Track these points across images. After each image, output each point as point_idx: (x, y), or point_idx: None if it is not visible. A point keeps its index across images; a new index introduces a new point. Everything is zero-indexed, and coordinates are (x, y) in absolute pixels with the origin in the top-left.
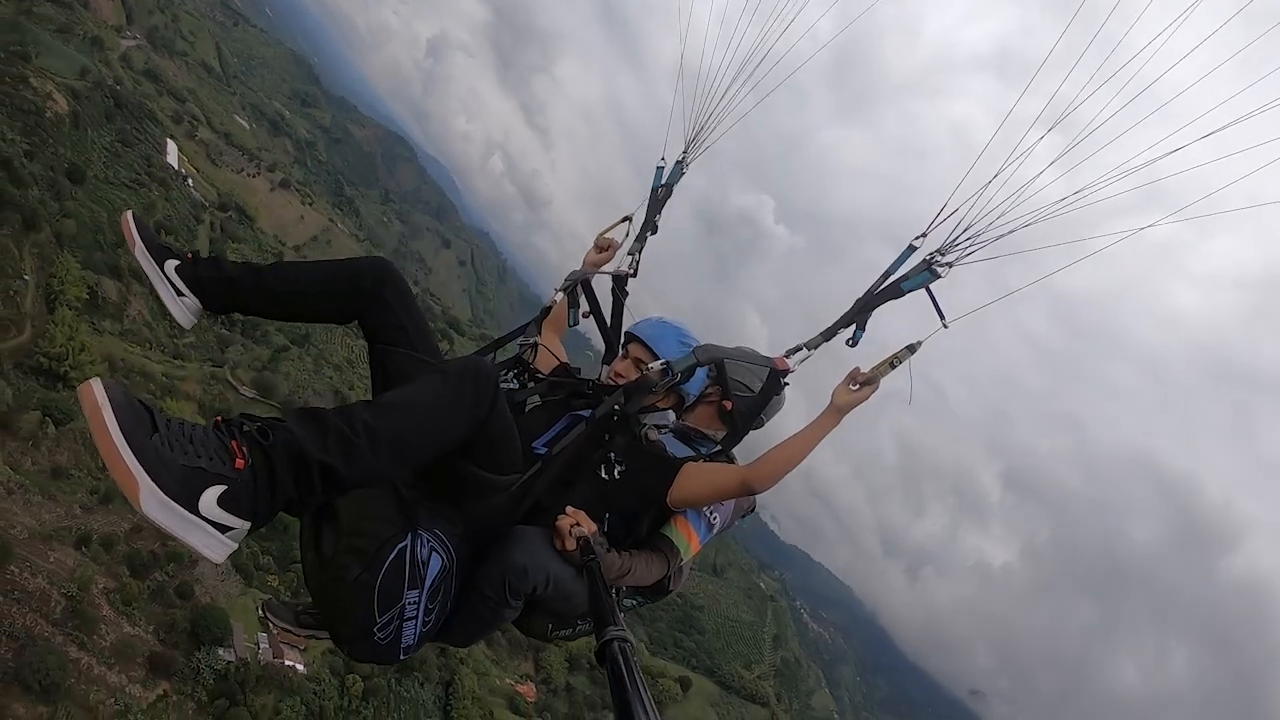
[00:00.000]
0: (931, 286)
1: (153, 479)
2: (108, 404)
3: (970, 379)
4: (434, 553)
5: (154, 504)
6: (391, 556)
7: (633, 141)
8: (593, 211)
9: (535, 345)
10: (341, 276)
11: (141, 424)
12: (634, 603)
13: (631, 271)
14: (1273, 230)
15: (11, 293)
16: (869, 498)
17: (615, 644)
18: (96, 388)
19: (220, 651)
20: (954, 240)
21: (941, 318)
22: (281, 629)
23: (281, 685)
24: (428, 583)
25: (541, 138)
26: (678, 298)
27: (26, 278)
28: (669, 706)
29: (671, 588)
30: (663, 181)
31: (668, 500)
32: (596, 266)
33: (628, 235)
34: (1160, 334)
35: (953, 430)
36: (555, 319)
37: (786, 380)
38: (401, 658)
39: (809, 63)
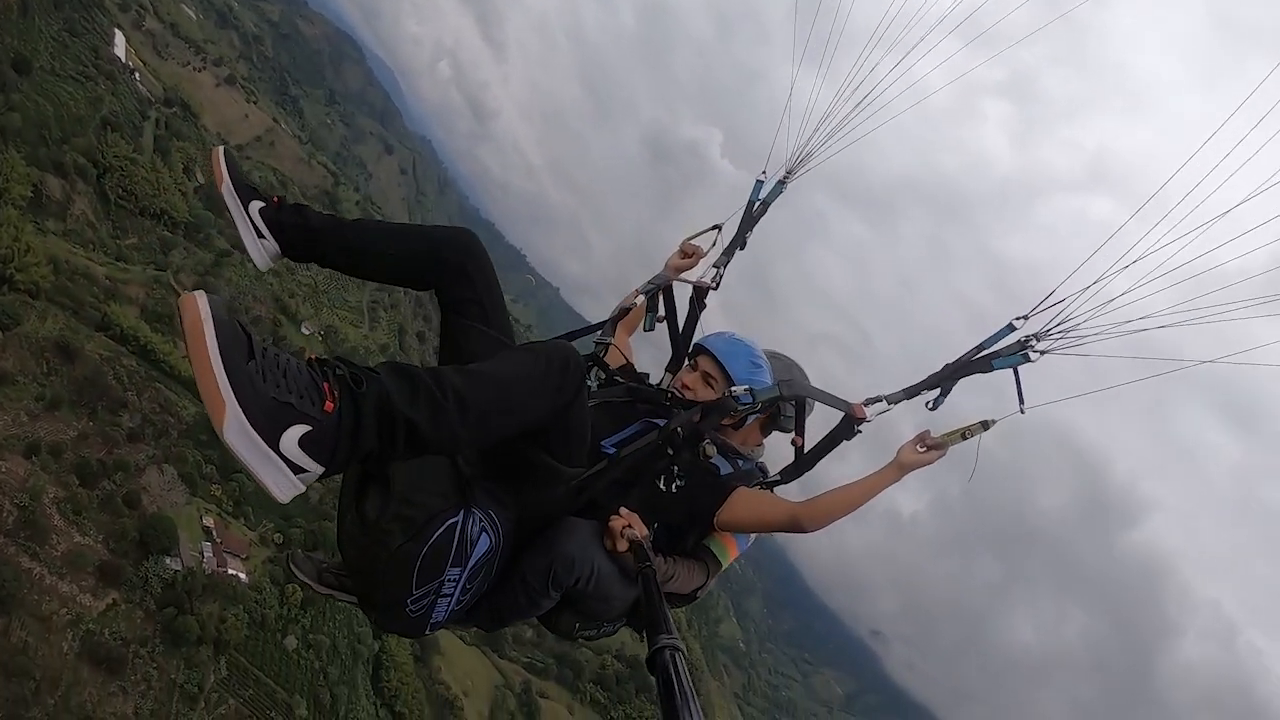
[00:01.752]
0: (1020, 369)
1: (241, 406)
2: (210, 319)
3: (896, 329)
4: (484, 533)
5: (236, 431)
6: (440, 530)
7: (589, 63)
8: (541, 128)
9: (609, 345)
10: (426, 244)
11: (240, 347)
12: None
13: (714, 285)
14: (1204, 219)
15: None
16: (823, 466)
17: (667, 652)
18: (201, 301)
19: (167, 560)
20: (1050, 329)
21: (1021, 403)
22: (303, 584)
23: (226, 594)
24: (471, 561)
25: (496, 50)
26: (622, 224)
27: None
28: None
29: (700, 595)
30: (760, 197)
31: (715, 521)
32: (679, 272)
33: (714, 245)
34: (1104, 319)
35: (877, 377)
36: (631, 320)
37: (860, 429)
38: (427, 632)
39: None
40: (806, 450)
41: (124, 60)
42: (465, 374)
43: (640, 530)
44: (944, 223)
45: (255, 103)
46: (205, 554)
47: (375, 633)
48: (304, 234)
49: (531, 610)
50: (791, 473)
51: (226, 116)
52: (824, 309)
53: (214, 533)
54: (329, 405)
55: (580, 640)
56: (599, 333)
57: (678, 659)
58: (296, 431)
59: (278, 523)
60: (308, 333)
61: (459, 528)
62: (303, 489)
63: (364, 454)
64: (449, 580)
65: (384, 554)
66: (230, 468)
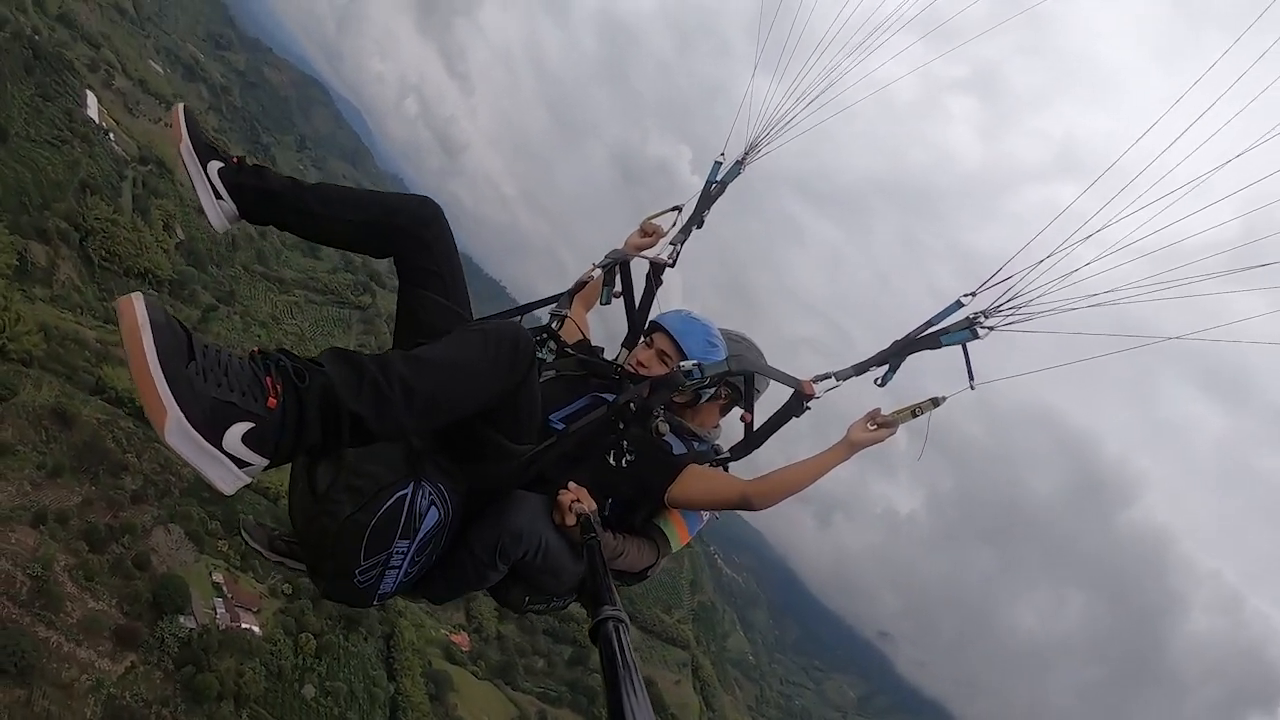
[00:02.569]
0: (968, 345)
1: (182, 409)
2: (148, 324)
3: (875, 327)
4: (433, 506)
5: (178, 434)
6: (390, 502)
7: (554, 89)
8: (511, 158)
9: (564, 317)
10: (386, 211)
11: (179, 349)
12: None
13: (671, 261)
14: (1170, 198)
15: None
16: (781, 446)
17: (610, 624)
18: (138, 305)
19: (181, 619)
20: (999, 305)
21: (971, 379)
22: (254, 550)
23: (241, 649)
24: (420, 535)
25: (461, 83)
26: (597, 247)
27: None
28: (593, 652)
29: (650, 574)
30: (718, 178)
31: (665, 498)
32: (638, 250)
33: (674, 225)
34: (1060, 295)
35: (856, 383)
36: (588, 294)
37: (809, 405)
38: (374, 603)
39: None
40: (757, 427)
41: (98, 121)
42: (412, 361)
43: (589, 505)
44: (915, 219)
45: None
46: (218, 610)
47: (389, 675)
48: (263, 196)
49: (479, 583)
50: (741, 450)
51: None
52: (803, 312)
53: (224, 588)
54: (271, 401)
55: (531, 613)
56: (555, 305)
57: (620, 630)
58: (240, 429)
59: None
60: None
61: (408, 500)
62: (247, 480)
63: (308, 446)
64: (397, 552)
65: (333, 524)
66: (235, 522)
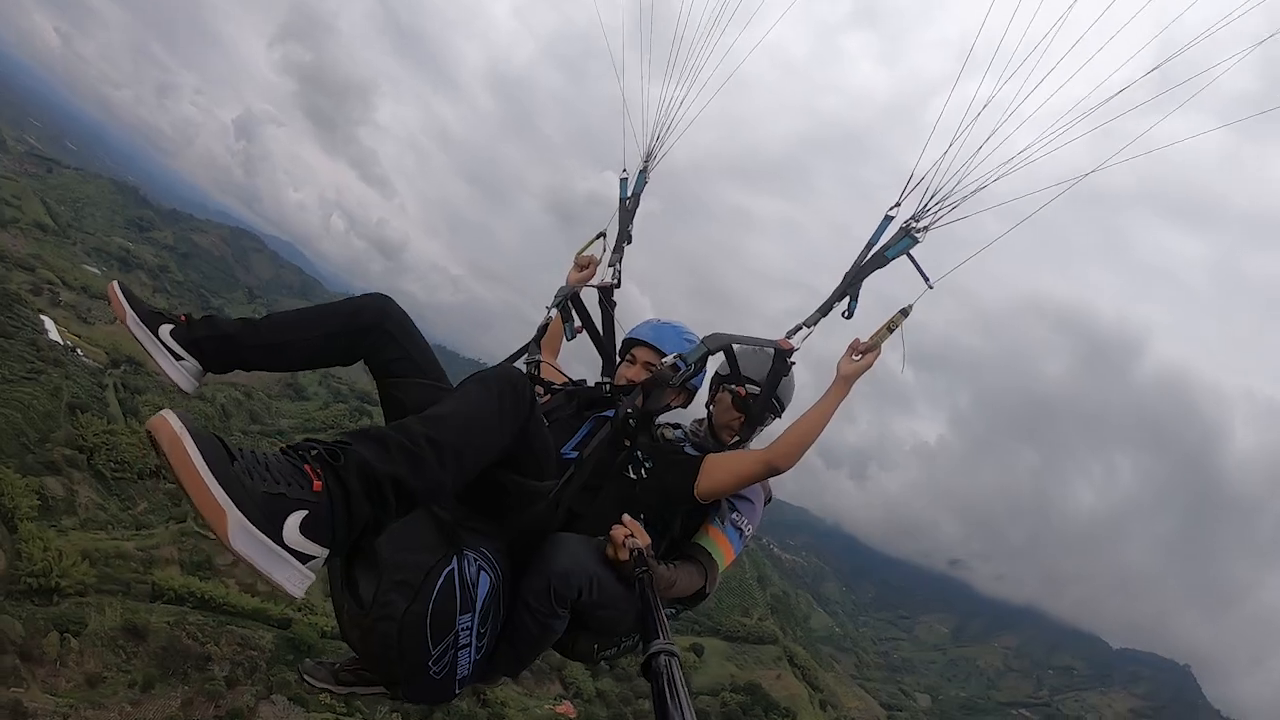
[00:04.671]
0: (913, 251)
1: (240, 509)
2: (187, 435)
3: (841, 271)
4: (482, 571)
5: (242, 536)
6: (440, 582)
7: (468, 157)
8: (448, 238)
9: (539, 363)
10: (341, 319)
11: (221, 454)
12: (673, 612)
13: (615, 282)
14: (1084, 54)
15: None
16: (793, 417)
17: (662, 657)
18: (172, 420)
19: None
20: (925, 207)
21: (926, 279)
22: (321, 689)
23: None
24: (479, 604)
25: (380, 187)
26: (553, 287)
27: None
28: (693, 675)
29: (708, 593)
30: (628, 194)
31: (695, 493)
32: (581, 283)
33: (605, 250)
34: (1013, 176)
35: (850, 333)
36: (551, 339)
37: (792, 360)
38: (456, 692)
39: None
40: (754, 399)
41: (62, 342)
42: (427, 420)
43: (643, 540)
44: (851, 163)
45: None
46: None
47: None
48: (220, 343)
49: (545, 637)
50: (748, 429)
51: None
52: (778, 288)
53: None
54: (317, 485)
55: (603, 660)
56: (525, 355)
57: (673, 665)
58: (296, 518)
59: (393, 704)
60: None
61: (456, 574)
62: (313, 578)
63: (361, 523)
64: (462, 629)
65: (392, 628)
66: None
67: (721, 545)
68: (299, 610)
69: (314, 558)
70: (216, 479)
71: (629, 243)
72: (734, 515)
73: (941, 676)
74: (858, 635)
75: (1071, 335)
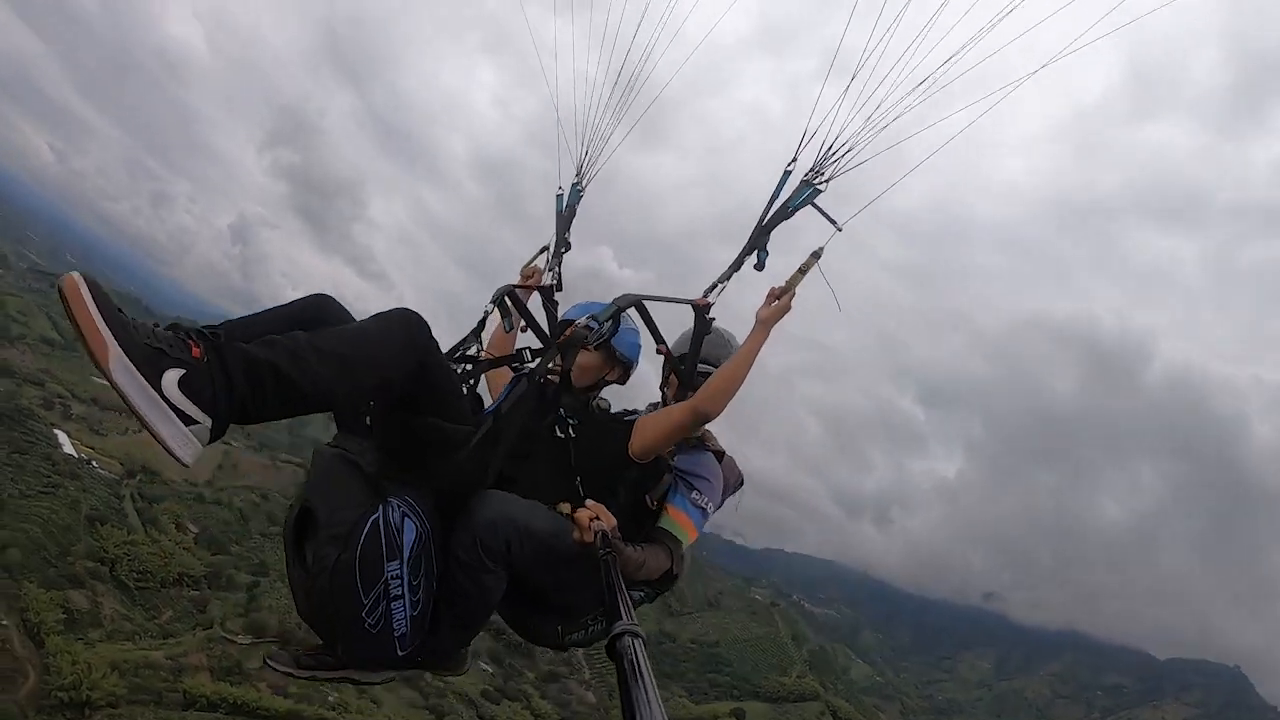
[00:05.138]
0: (817, 201)
1: (122, 347)
2: (84, 285)
3: (849, 327)
4: (406, 518)
5: (121, 371)
6: (366, 529)
7: (462, 246)
8: (448, 327)
9: (479, 348)
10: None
11: (111, 305)
12: (642, 594)
13: (555, 284)
14: (1062, 76)
15: (0, 643)
16: (812, 473)
17: (626, 638)
18: (76, 276)
19: None
20: (824, 159)
21: (834, 224)
22: (284, 673)
23: None
24: (406, 552)
25: (377, 281)
26: None
27: (4, 622)
28: None
29: (677, 573)
30: (564, 206)
31: (630, 453)
32: (520, 286)
33: (547, 259)
34: (1004, 206)
35: (855, 379)
36: (501, 341)
37: (711, 316)
38: (400, 653)
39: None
40: (680, 359)
41: (76, 455)
42: (314, 333)
43: (608, 521)
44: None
45: None
46: None
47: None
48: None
49: (482, 596)
50: (682, 390)
51: None
52: (781, 344)
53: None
54: (196, 351)
55: (570, 645)
56: (462, 346)
57: (636, 645)
58: (175, 374)
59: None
60: None
61: (381, 521)
62: (199, 447)
63: (240, 398)
64: (392, 578)
65: (325, 578)
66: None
67: (683, 523)
68: (333, 710)
69: (197, 422)
70: (105, 320)
71: (567, 250)
72: (694, 495)
73: (989, 713)
74: (899, 682)
75: (1077, 350)
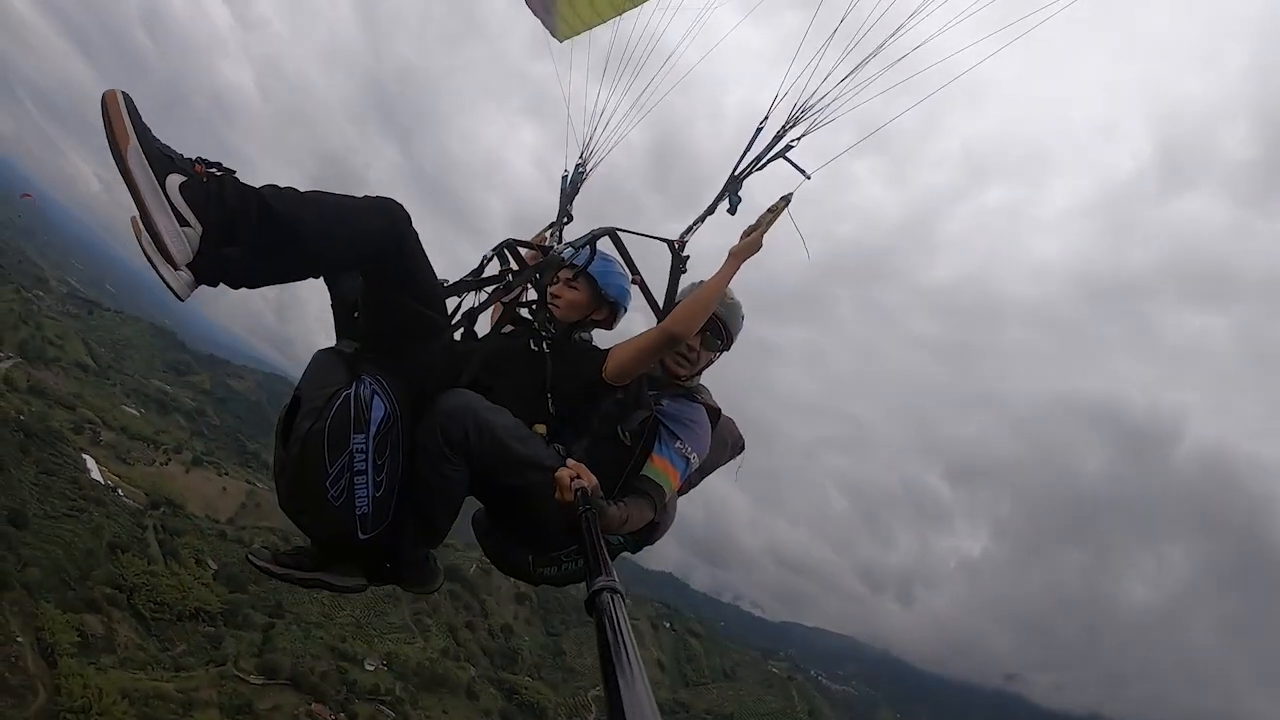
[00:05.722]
0: (789, 155)
1: (140, 142)
2: (122, 97)
3: (878, 400)
4: (376, 395)
5: (136, 160)
6: (338, 403)
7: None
8: None
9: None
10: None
11: (140, 119)
12: (620, 541)
13: (553, 246)
14: (1094, 155)
15: (13, 659)
16: (836, 549)
17: (605, 594)
18: (118, 91)
19: None
20: (797, 116)
21: (803, 173)
22: (260, 568)
23: None
24: (373, 428)
25: None
26: None
27: (20, 640)
28: None
29: (659, 521)
30: (569, 185)
31: (605, 374)
32: (526, 245)
33: (554, 231)
34: (1035, 286)
35: (883, 455)
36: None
37: (686, 254)
38: (362, 535)
39: (635, 166)
40: (660, 298)
41: (103, 481)
42: (297, 190)
43: (589, 480)
44: (865, 284)
45: (226, 473)
46: None
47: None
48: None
49: (445, 488)
50: (659, 317)
51: (207, 496)
52: (806, 414)
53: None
54: (198, 168)
55: (543, 580)
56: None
57: (615, 600)
58: (177, 179)
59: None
60: (371, 668)
61: (353, 395)
62: (188, 253)
63: (230, 211)
64: (357, 451)
65: (297, 446)
66: None
67: (667, 471)
68: None
69: (189, 225)
70: (132, 123)
71: (569, 221)
72: (678, 444)
73: None
74: None
75: (1106, 429)
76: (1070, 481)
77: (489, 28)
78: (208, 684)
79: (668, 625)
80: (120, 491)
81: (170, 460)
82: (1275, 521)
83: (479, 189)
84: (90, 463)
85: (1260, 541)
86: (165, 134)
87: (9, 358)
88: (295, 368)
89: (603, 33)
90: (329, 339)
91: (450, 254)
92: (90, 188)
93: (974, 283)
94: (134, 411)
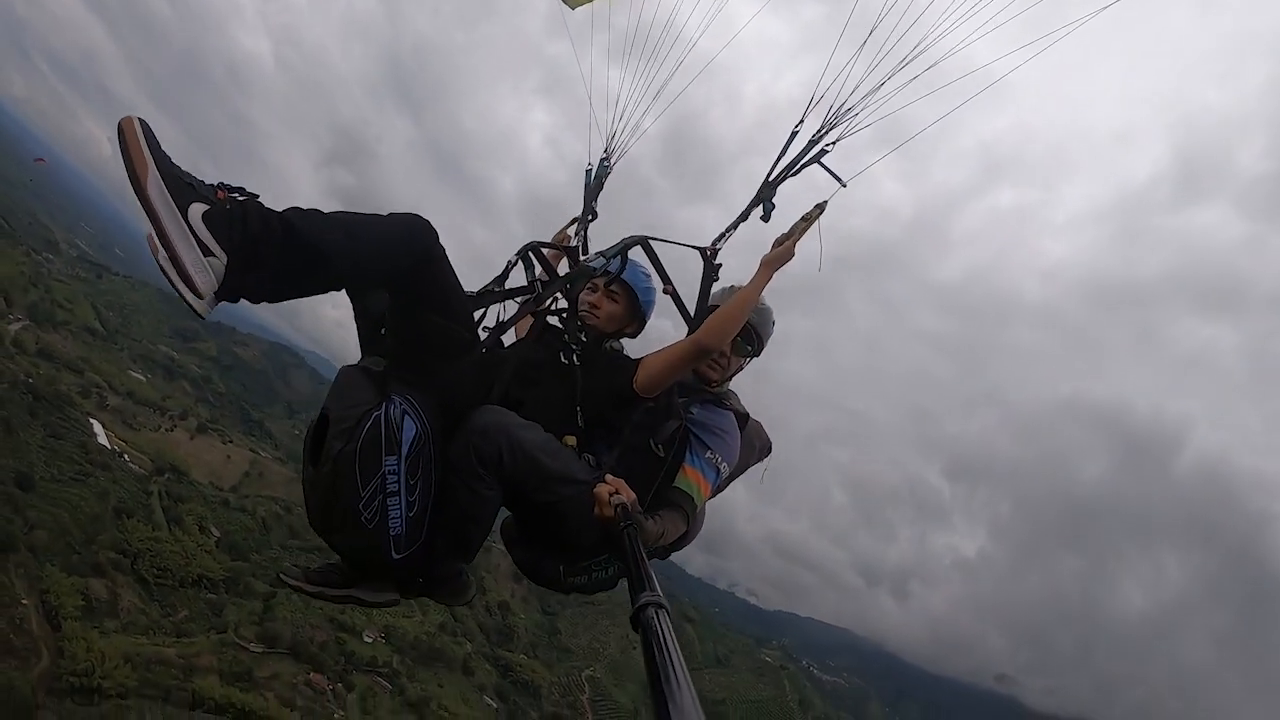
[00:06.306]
0: (824, 160)
1: (159, 172)
2: (138, 124)
3: (881, 393)
4: (406, 415)
5: (156, 191)
6: (369, 424)
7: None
8: None
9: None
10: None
11: (159, 146)
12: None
13: (581, 248)
14: (1110, 161)
15: (17, 620)
16: (834, 541)
17: (651, 609)
18: (134, 117)
19: None
20: (832, 121)
21: (839, 180)
22: (293, 586)
23: None
24: (405, 449)
25: None
26: None
27: (25, 602)
28: None
29: (689, 531)
30: (592, 180)
31: (635, 385)
32: (549, 245)
33: (578, 228)
34: (1045, 288)
35: (884, 449)
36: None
37: (718, 261)
38: (395, 556)
39: (649, 150)
40: (691, 307)
41: (109, 446)
42: (321, 211)
43: (627, 495)
44: (874, 276)
45: (230, 441)
46: None
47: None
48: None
49: (476, 506)
50: (690, 326)
51: (211, 463)
52: (812, 406)
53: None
54: (220, 194)
55: (574, 590)
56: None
57: (661, 616)
58: (200, 208)
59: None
60: (370, 640)
61: (383, 416)
62: (213, 281)
63: (253, 236)
64: (389, 473)
65: (329, 467)
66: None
67: (698, 482)
68: None
69: (213, 255)
70: (150, 151)
71: (594, 218)
72: (709, 454)
73: None
74: None
75: (1109, 434)
76: (1070, 485)
77: (506, 3)
78: (208, 650)
79: None
80: (126, 457)
81: (175, 426)
82: (1271, 538)
83: (493, 167)
84: (97, 427)
85: (1255, 557)
86: (181, 102)
87: (18, 319)
88: (301, 338)
89: (619, 15)
90: (335, 308)
91: (460, 235)
92: (103, 151)
93: (983, 281)
94: (140, 377)
